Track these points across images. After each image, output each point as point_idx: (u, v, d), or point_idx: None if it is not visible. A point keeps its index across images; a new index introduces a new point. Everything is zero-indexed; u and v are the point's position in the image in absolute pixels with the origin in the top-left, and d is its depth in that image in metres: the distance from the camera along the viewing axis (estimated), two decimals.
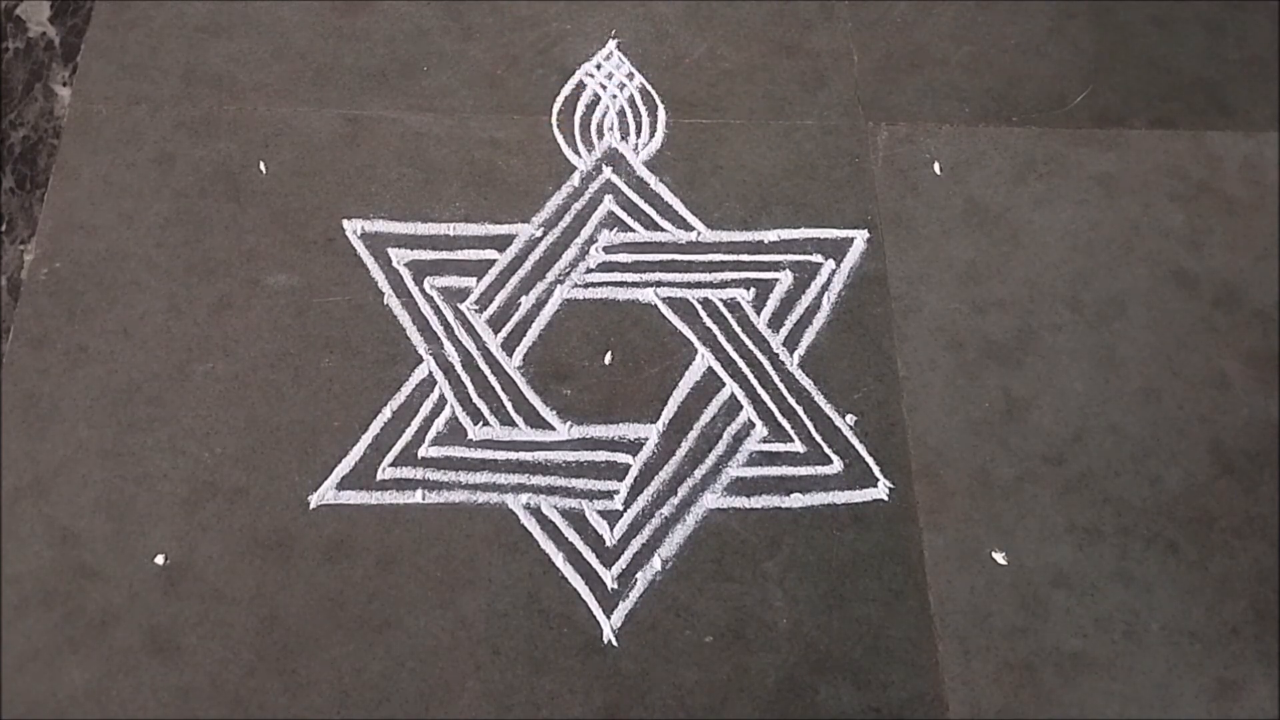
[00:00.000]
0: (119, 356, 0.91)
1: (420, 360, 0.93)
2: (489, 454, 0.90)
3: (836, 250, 1.01)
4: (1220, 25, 1.16)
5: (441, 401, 0.91)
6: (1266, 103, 1.11)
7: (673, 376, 0.94)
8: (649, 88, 1.08)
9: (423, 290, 0.96)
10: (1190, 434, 0.94)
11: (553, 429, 0.91)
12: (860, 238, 1.01)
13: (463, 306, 0.96)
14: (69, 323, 0.92)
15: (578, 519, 0.88)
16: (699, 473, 0.90)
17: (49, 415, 0.88)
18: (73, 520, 0.85)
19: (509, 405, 0.92)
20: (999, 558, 0.88)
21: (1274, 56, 1.15)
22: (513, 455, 0.90)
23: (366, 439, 0.89)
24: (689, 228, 1.01)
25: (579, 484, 0.89)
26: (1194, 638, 0.86)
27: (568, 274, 0.98)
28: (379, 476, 0.88)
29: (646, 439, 0.91)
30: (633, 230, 1.00)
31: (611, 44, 1.10)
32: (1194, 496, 0.92)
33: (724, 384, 0.94)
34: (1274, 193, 1.06)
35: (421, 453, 0.89)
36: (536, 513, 0.88)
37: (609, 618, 0.84)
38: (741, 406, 0.93)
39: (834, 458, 0.91)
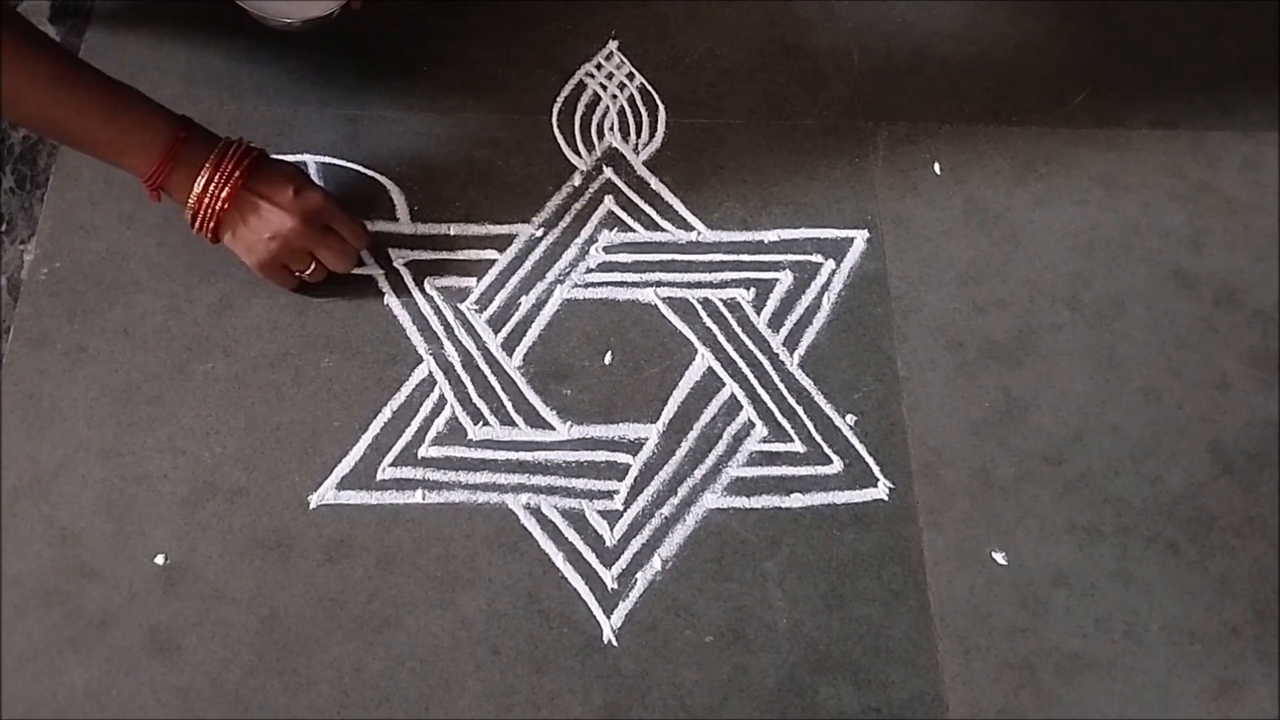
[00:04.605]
0: (119, 356, 0.91)
1: (420, 360, 0.93)
2: (489, 454, 0.90)
3: (836, 250, 1.01)
4: (1220, 25, 1.16)
5: (441, 401, 0.91)
6: (1266, 103, 1.11)
7: (673, 376, 0.94)
8: (649, 88, 1.08)
9: (423, 290, 0.96)
10: (1190, 434, 0.94)
11: (553, 429, 0.91)
12: (860, 238, 1.01)
13: (463, 306, 0.96)
14: (69, 323, 0.92)
15: (578, 519, 0.88)
16: (699, 473, 0.90)
17: (49, 415, 0.88)
18: (73, 520, 0.85)
19: (509, 405, 0.92)
20: (999, 558, 0.88)
21: (1274, 56, 1.15)
22: (513, 455, 0.90)
23: (366, 439, 0.89)
24: (689, 228, 1.01)
25: (579, 484, 0.89)
26: (1194, 638, 0.86)
27: (568, 274, 0.98)
28: (379, 476, 0.88)
29: (646, 439, 0.91)
30: (633, 230, 1.00)
31: (612, 44, 1.10)
32: (1194, 496, 0.92)
33: (724, 384, 0.94)
34: (1274, 193, 1.06)
35: (421, 453, 0.89)
36: (536, 513, 0.88)
37: (609, 618, 0.84)
38: (741, 406, 0.93)
39: (834, 458, 0.91)
